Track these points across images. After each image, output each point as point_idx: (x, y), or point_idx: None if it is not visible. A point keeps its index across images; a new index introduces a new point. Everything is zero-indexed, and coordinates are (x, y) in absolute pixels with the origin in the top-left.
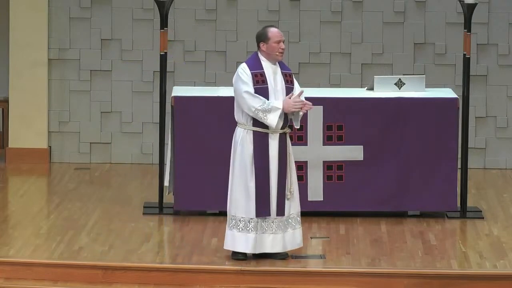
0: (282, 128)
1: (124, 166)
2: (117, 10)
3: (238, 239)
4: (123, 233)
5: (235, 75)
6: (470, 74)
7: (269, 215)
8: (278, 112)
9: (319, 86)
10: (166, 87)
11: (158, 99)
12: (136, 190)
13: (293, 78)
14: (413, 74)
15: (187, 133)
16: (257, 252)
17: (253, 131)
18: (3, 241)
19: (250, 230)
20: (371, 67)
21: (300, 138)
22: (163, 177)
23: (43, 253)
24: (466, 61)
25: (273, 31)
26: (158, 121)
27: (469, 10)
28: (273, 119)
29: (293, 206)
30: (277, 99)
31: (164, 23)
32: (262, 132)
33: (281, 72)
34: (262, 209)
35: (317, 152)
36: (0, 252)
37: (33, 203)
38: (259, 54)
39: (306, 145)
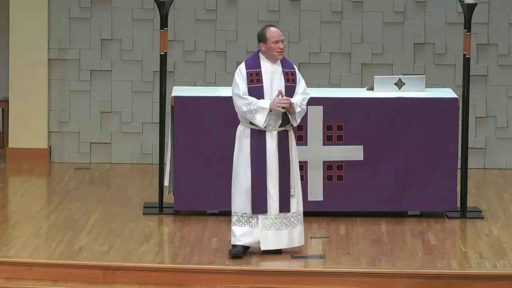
0: (282, 126)
1: (124, 166)
2: (117, 10)
3: (244, 233)
4: (123, 233)
5: None
6: (470, 74)
7: (266, 212)
8: (266, 112)
9: (319, 86)
10: (166, 87)
11: (158, 99)
12: (136, 190)
13: (295, 77)
14: (413, 74)
15: (187, 133)
16: (263, 248)
17: (251, 128)
18: (3, 241)
19: (253, 225)
20: (371, 67)
21: (300, 138)
22: (163, 177)
23: (43, 253)
24: (466, 61)
25: (271, 31)
26: (158, 121)
27: (469, 10)
28: (260, 119)
29: (299, 204)
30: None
31: (164, 23)
32: (259, 129)
33: (282, 71)
34: (258, 206)
35: (317, 152)
36: (0, 252)
37: (33, 203)
38: (260, 53)
39: (306, 145)
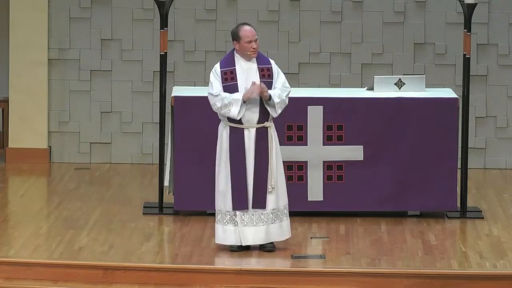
0: (260, 122)
1: (124, 166)
2: (117, 10)
3: (229, 232)
4: (123, 233)
5: None
6: (470, 74)
7: (247, 208)
8: (239, 103)
9: (319, 86)
10: (166, 87)
11: (158, 99)
12: (136, 190)
13: (271, 72)
14: (413, 74)
15: (187, 133)
16: (243, 244)
17: (230, 126)
18: (3, 241)
19: (227, 223)
20: (371, 67)
21: (300, 138)
22: (163, 177)
23: (43, 253)
24: (466, 61)
25: (244, 31)
26: (158, 121)
27: (469, 10)
28: (234, 111)
29: (279, 200)
30: None
31: (164, 23)
32: (237, 127)
33: (258, 67)
34: (238, 202)
35: (317, 152)
36: (0, 252)
37: (33, 203)
38: (234, 51)
39: (306, 145)
